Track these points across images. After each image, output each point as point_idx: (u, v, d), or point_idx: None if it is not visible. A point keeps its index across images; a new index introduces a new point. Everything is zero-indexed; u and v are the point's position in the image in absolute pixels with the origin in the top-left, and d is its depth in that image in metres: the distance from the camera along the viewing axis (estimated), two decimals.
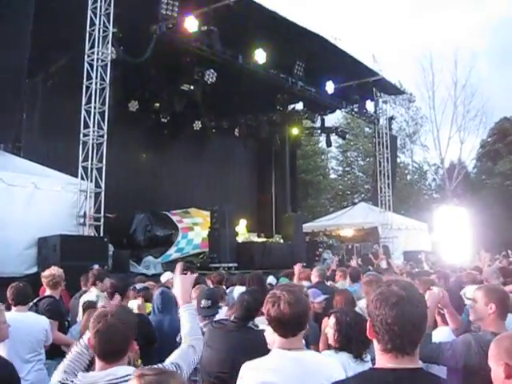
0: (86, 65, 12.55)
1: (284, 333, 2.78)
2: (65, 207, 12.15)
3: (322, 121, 24.53)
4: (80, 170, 12.38)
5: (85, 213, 12.27)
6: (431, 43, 66.08)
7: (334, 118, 34.14)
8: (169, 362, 2.83)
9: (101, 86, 12.58)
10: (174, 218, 18.93)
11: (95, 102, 12.42)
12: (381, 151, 23.81)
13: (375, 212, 23.79)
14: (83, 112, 12.48)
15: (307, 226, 23.64)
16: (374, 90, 22.77)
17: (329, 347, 3.87)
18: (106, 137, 12.57)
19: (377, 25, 76.01)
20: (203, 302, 4.62)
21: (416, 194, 41.57)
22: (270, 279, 9.24)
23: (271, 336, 2.85)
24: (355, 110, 23.66)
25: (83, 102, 12.48)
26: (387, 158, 23.76)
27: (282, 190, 25.54)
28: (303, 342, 2.99)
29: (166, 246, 17.91)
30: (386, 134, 24.10)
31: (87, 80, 12.53)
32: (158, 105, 19.30)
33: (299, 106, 23.72)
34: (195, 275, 3.46)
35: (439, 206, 30.84)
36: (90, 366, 2.96)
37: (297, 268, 7.74)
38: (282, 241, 18.64)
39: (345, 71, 19.72)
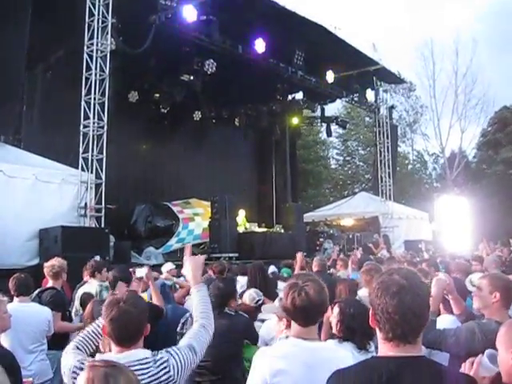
0: (85, 56, 12.51)
1: (305, 322, 2.84)
2: (66, 199, 12.14)
3: (322, 110, 24.47)
4: (80, 161, 12.37)
5: (86, 204, 12.27)
6: (432, 31, 65.72)
7: (335, 108, 34.29)
8: (184, 344, 2.89)
9: (100, 76, 12.55)
10: (175, 209, 18.95)
11: (95, 93, 12.39)
12: (381, 140, 23.77)
13: (376, 201, 23.77)
14: (83, 103, 12.46)
15: (308, 216, 23.68)
16: (374, 79, 22.69)
17: (332, 336, 3.88)
18: (106, 128, 12.56)
19: (377, 13, 75.87)
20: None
21: (417, 184, 41.56)
22: (272, 269, 9.27)
23: (277, 326, 2.89)
24: (355, 99, 23.62)
25: (83, 94, 12.46)
26: (388, 147, 23.73)
27: (282, 180, 25.54)
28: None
29: (167, 237, 17.95)
30: (387, 123, 24.06)
31: (87, 71, 12.50)
32: (157, 95, 19.27)
33: (299, 95, 23.66)
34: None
35: (440, 195, 30.82)
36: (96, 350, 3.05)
37: (299, 257, 7.71)
38: (282, 231, 18.66)
39: (345, 60, 19.64)
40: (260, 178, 25.76)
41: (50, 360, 5.28)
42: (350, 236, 21.28)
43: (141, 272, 5.75)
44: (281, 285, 7.02)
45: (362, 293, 5.12)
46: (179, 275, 8.53)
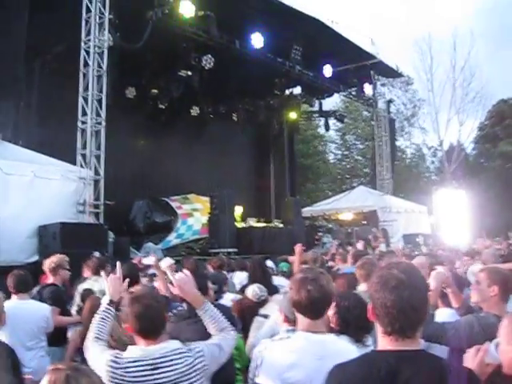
0: (82, 52, 12.50)
1: (316, 314, 2.90)
2: (64, 195, 12.11)
3: (320, 105, 24.50)
4: (79, 157, 12.37)
5: (84, 200, 12.25)
6: (429, 25, 65.58)
7: (332, 102, 34.20)
8: (211, 342, 2.99)
9: (98, 72, 12.54)
10: (174, 205, 18.94)
11: (92, 89, 12.39)
12: (379, 134, 23.80)
13: (374, 195, 23.78)
14: (81, 99, 12.45)
15: (306, 211, 23.69)
16: (371, 73, 22.68)
17: (331, 330, 3.88)
18: (103, 124, 12.55)
19: (374, 7, 75.71)
20: (210, 286, 4.62)
21: (415, 177, 41.57)
22: (268, 264, 9.27)
23: (279, 319, 2.95)
24: (353, 93, 23.65)
25: (80, 90, 12.45)
26: (386, 141, 23.76)
27: (280, 175, 25.56)
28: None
29: (166, 233, 17.94)
30: (385, 117, 24.08)
31: (84, 67, 12.49)
32: (155, 91, 19.23)
33: (297, 90, 23.69)
34: (188, 273, 3.27)
35: (438, 188, 30.83)
36: None
37: (298, 248, 7.40)
38: (281, 225, 18.70)
39: (342, 54, 19.65)
40: (258, 173, 25.74)
41: (50, 356, 5.28)
42: (349, 230, 21.31)
43: (148, 260, 5.75)
44: (279, 280, 7.01)
45: (360, 288, 5.11)
46: (177, 270, 8.54)
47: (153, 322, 2.84)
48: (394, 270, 2.05)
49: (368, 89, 23.00)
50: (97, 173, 12.54)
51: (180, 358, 2.78)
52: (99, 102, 12.51)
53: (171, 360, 2.75)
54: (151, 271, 7.24)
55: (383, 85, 25.30)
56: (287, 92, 23.88)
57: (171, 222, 18.36)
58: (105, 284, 3.32)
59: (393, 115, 28.83)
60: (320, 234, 20.67)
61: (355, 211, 24.32)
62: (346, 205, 24.54)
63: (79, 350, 4.15)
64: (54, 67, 15.31)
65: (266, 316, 4.77)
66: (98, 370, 2.73)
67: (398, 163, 32.23)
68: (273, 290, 5.80)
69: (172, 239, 17.76)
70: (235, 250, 15.50)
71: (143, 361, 2.74)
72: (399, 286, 1.99)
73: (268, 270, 7.13)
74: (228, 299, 5.75)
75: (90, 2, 12.49)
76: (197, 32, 15.20)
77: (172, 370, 2.74)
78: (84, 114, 12.44)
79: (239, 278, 7.66)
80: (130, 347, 2.87)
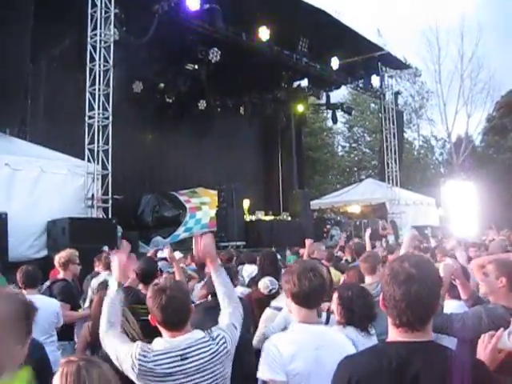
0: (88, 47, 12.49)
1: (313, 304, 3.00)
2: (72, 190, 12.17)
3: (328, 97, 24.36)
4: (86, 152, 12.39)
5: (92, 195, 12.30)
6: (437, 16, 65.06)
7: (340, 94, 34.05)
8: (226, 323, 3.05)
9: (104, 67, 12.53)
10: (182, 198, 18.98)
11: (99, 84, 12.38)
12: (387, 127, 23.68)
13: (382, 188, 23.75)
14: (87, 94, 12.46)
15: (314, 203, 23.68)
16: (379, 64, 22.56)
17: (338, 323, 3.90)
18: (111, 118, 12.56)
19: None
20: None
21: (423, 169, 41.40)
22: None
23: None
24: (360, 85, 23.54)
25: (87, 84, 12.46)
26: (394, 133, 23.65)
27: (288, 168, 25.55)
28: None
29: (174, 226, 18.00)
30: (392, 109, 23.96)
31: (91, 62, 12.49)
32: (162, 85, 19.24)
33: (304, 82, 23.57)
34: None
35: (446, 180, 30.71)
36: None
37: (308, 243, 7.69)
38: (289, 218, 18.68)
39: (349, 46, 19.54)
40: (266, 166, 25.76)
41: (60, 351, 5.31)
42: (357, 223, 21.29)
43: (164, 253, 5.78)
44: None
45: (366, 281, 5.11)
46: (187, 265, 8.58)
47: (178, 314, 2.88)
48: (406, 263, 2.06)
49: (375, 81, 22.90)
50: (104, 167, 12.56)
51: (205, 347, 2.85)
52: (106, 96, 12.52)
53: (198, 349, 2.83)
54: (161, 264, 7.25)
55: (391, 77, 25.05)
56: (294, 85, 23.78)
57: (179, 215, 18.41)
58: (112, 266, 3.32)
59: (400, 107, 28.72)
60: (328, 226, 20.66)
61: (363, 204, 24.31)
62: (354, 197, 24.54)
63: (89, 345, 4.17)
64: (61, 63, 15.32)
65: (278, 308, 4.78)
66: (122, 360, 2.80)
67: (406, 155, 32.12)
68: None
69: (180, 233, 17.81)
70: (244, 243, 15.54)
71: (171, 352, 2.78)
72: (408, 281, 2.01)
73: (278, 262, 7.14)
74: (237, 292, 5.75)
75: None
76: (203, 25, 15.15)
77: (199, 359, 2.81)
78: (91, 108, 12.45)
79: (248, 271, 7.66)
80: (156, 339, 2.91)
